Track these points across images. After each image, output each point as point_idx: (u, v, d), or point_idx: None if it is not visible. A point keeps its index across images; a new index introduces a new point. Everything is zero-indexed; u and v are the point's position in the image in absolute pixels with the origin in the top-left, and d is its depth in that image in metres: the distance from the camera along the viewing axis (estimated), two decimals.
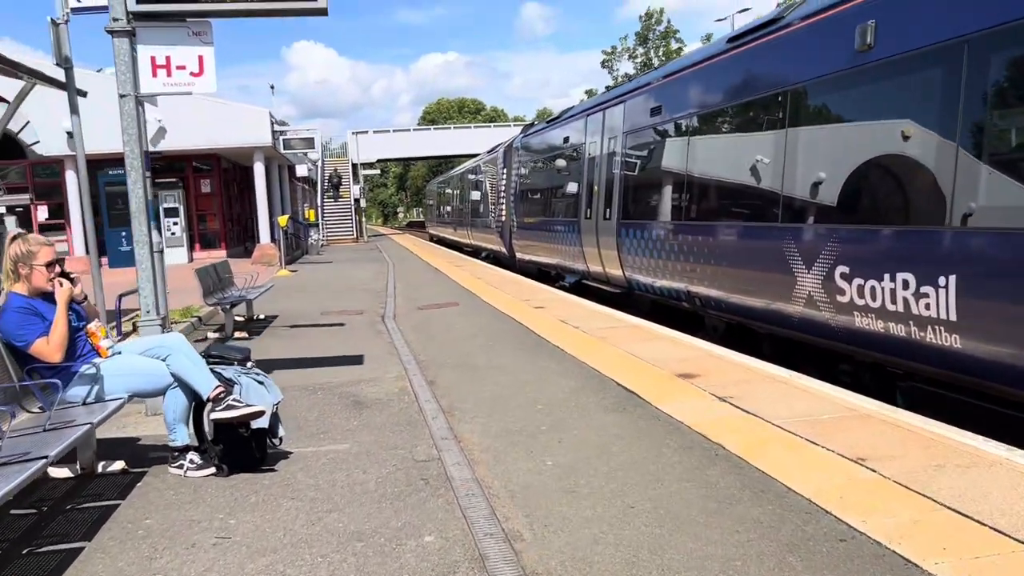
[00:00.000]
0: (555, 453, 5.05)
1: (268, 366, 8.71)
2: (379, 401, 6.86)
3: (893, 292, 5.79)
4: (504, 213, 20.93)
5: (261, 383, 5.17)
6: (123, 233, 22.37)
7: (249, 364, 5.29)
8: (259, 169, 24.76)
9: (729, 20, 42.10)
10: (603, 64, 76.81)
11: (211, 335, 10.90)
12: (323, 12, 6.52)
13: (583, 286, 14.22)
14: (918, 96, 5.83)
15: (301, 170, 32.08)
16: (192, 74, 6.50)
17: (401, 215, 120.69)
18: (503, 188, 21.21)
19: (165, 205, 25.23)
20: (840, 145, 6.72)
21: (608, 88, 41.22)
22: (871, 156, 6.39)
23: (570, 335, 9.36)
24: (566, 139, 14.81)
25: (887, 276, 5.85)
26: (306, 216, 36.18)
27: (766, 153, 7.69)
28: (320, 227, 42.97)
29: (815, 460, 4.56)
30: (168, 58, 6.44)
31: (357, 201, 45.91)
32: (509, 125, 56.60)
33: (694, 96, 9.28)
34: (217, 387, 4.90)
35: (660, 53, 71.77)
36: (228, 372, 5.11)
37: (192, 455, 5.03)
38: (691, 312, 9.91)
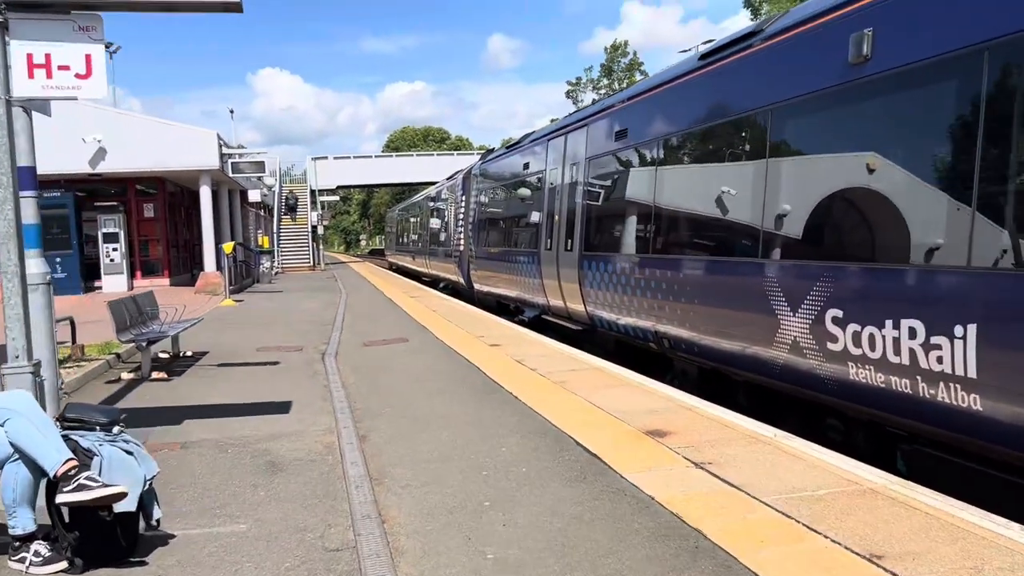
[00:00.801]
0: (499, 541, 4.07)
1: (179, 415, 7.64)
2: (298, 462, 5.83)
3: (897, 341, 4.97)
4: (463, 242, 20.03)
5: (130, 453, 4.12)
6: (57, 259, 20.98)
7: (117, 429, 4.24)
8: (205, 193, 23.54)
9: (694, 51, 42.03)
10: (568, 95, 77.10)
11: (125, 376, 9.74)
12: (236, 8, 5.58)
13: (543, 321, 13.32)
14: (931, 113, 5.06)
15: (254, 195, 30.85)
16: (78, 76, 5.48)
17: (364, 242, 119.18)
18: (462, 216, 20.32)
19: (104, 230, 23.88)
20: (831, 171, 5.94)
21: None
22: (867, 183, 5.61)
23: (526, 379, 8.41)
24: (526, 165, 14.00)
25: (890, 323, 5.03)
26: (259, 243, 34.88)
27: (745, 181, 6.91)
28: (275, 254, 41.64)
29: (821, 557, 3.65)
30: (48, 56, 5.41)
31: (315, 228, 44.64)
32: (473, 153, 55.91)
33: (663, 118, 8.51)
34: (67, 461, 3.85)
35: (624, 85, 72.15)
36: (87, 440, 4.06)
37: (38, 545, 3.95)
38: (659, 354, 9.03)
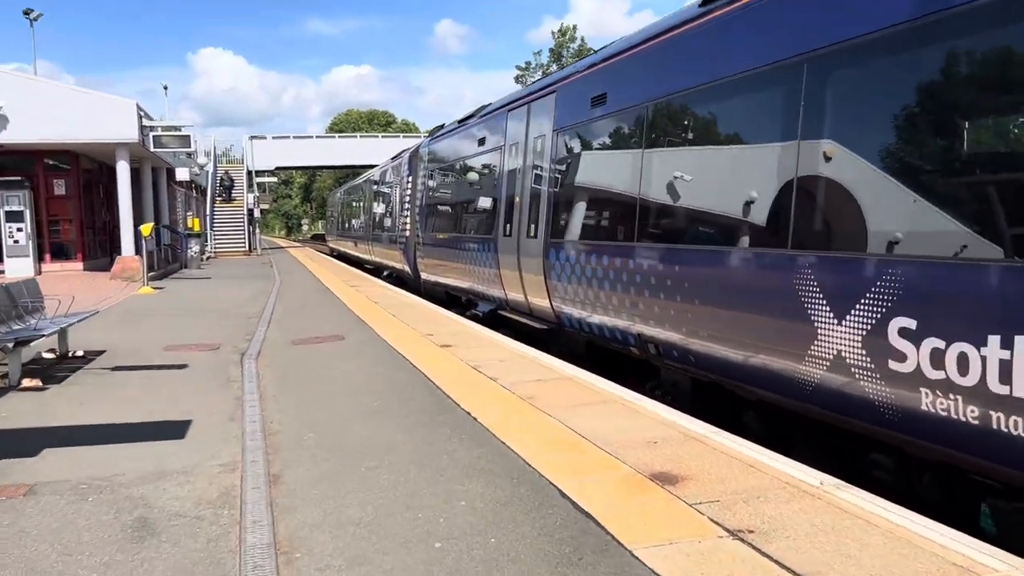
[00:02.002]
0: None
1: (38, 440, 5.89)
2: (179, 520, 4.24)
3: (1009, 366, 3.62)
4: (408, 227, 18.35)
5: None
6: None
7: None
8: (123, 169, 21.26)
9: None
10: (517, 80, 75.37)
11: None
12: None
13: (500, 317, 11.82)
14: None
15: (182, 174, 28.45)
16: None
17: (306, 227, 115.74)
18: (408, 199, 18.62)
19: (7, 208, 21.47)
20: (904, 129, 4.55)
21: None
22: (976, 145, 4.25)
23: (486, 392, 6.92)
24: (481, 141, 12.43)
25: (996, 340, 3.68)
26: (189, 225, 32.46)
27: (770, 149, 5.51)
28: (208, 238, 39.13)
29: None
30: None
31: (251, 211, 42.16)
32: (420, 136, 54.04)
33: (654, 79, 7.04)
34: None
35: None
36: None
37: None
38: (641, 361, 7.63)
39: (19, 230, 21.35)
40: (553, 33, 73.70)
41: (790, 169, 5.23)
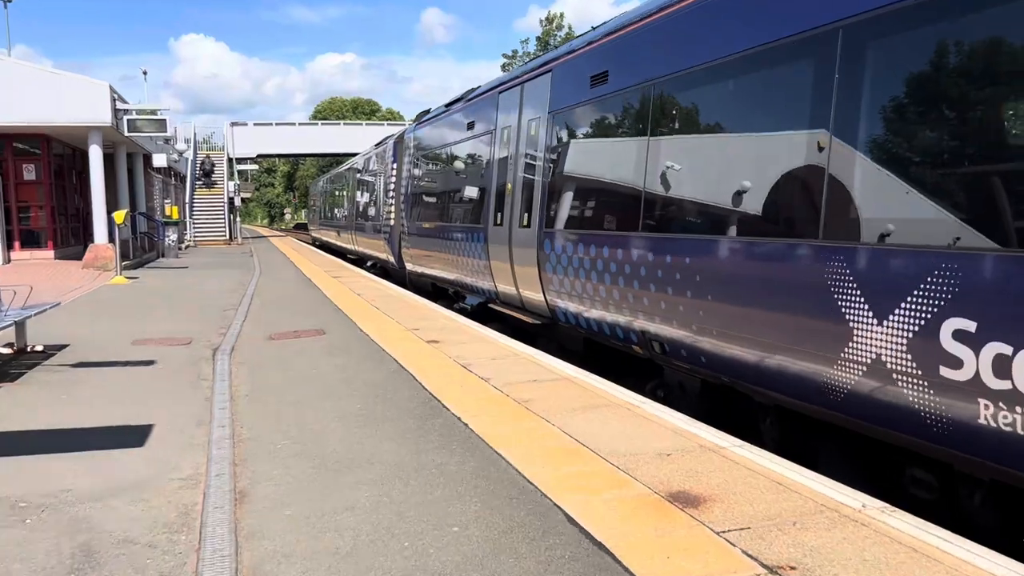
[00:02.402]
0: None
1: None
2: (128, 546, 3.68)
3: None
4: (393, 216, 17.72)
5: None
6: None
7: None
8: (95, 154, 20.44)
9: None
10: (504, 68, 74.63)
11: None
12: None
13: (490, 311, 11.26)
14: None
15: (159, 159, 27.59)
16: None
17: (288, 216, 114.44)
18: (392, 187, 17.98)
19: None
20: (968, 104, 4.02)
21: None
22: None
23: (478, 394, 6.37)
24: (470, 125, 11.82)
25: None
26: (167, 213, 31.61)
27: (797, 126, 4.98)
28: (188, 226, 38.27)
29: None
30: None
31: (231, 199, 41.28)
32: (405, 123, 53.30)
33: (667, 51, 6.44)
34: None
35: None
36: None
37: None
38: (645, 360, 7.11)
39: None
40: (541, 21, 73.08)
41: (819, 153, 4.69)
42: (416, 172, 15.66)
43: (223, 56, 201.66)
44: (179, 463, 4.94)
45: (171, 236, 27.35)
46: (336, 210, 32.13)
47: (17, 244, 21.99)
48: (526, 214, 9.08)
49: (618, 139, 7.30)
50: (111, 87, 20.17)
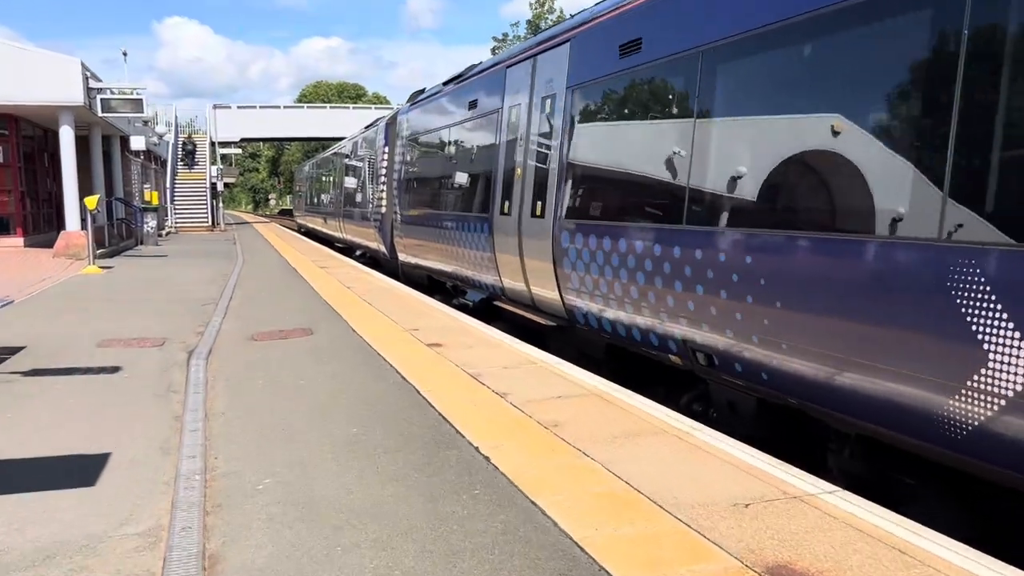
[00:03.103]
0: None
1: None
2: None
3: None
4: (385, 203, 16.69)
5: None
6: None
7: None
8: (67, 136, 19.24)
9: None
10: (494, 52, 73.25)
11: None
12: None
13: (492, 307, 10.31)
14: None
15: (137, 142, 26.33)
16: None
17: (273, 202, 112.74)
18: (384, 172, 16.94)
19: None
20: None
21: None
22: None
23: (495, 415, 5.43)
24: (472, 104, 10.81)
25: None
26: (147, 199, 30.36)
27: (916, 95, 4.04)
28: (169, 212, 37.00)
29: None
30: None
31: (214, 185, 39.99)
32: (393, 107, 52.05)
33: (721, 10, 5.44)
34: None
35: None
36: None
37: None
38: (683, 371, 6.20)
39: None
40: (531, 4, 71.44)
41: (944, 125, 3.76)
42: (411, 156, 14.62)
43: (207, 39, 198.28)
44: (137, 511, 3.98)
45: (150, 223, 26.15)
46: (323, 196, 31.00)
47: None
48: (539, 202, 8.12)
49: (657, 118, 6.33)
50: (83, 64, 18.96)
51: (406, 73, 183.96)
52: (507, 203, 9.05)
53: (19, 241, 21.13)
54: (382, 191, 16.97)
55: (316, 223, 33.78)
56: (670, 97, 6.08)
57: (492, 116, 9.79)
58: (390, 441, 4.96)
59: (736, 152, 5.30)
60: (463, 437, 4.97)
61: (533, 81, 8.55)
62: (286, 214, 70.15)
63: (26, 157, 22.04)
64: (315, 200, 34.23)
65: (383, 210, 16.85)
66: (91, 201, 16.60)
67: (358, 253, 22.57)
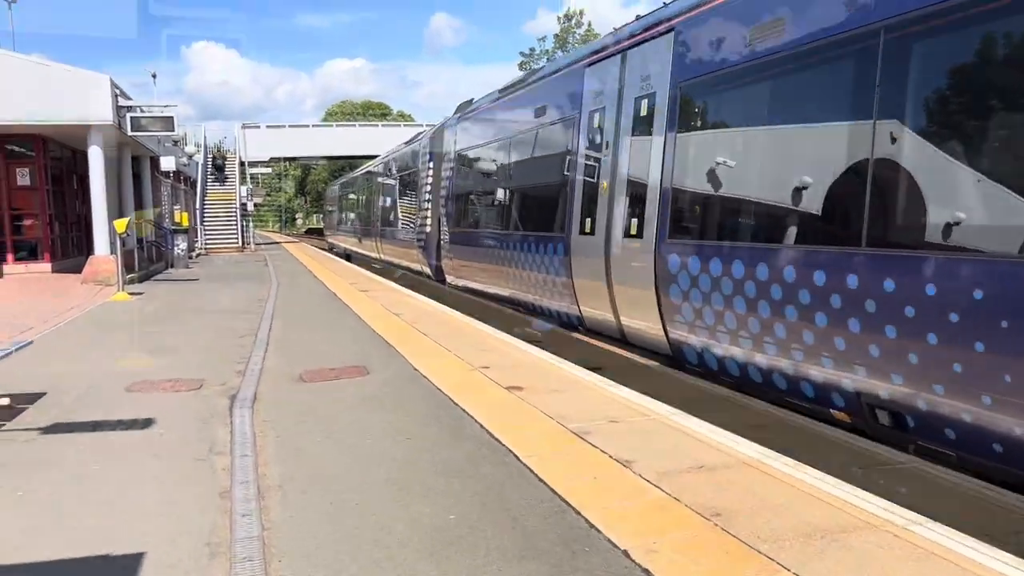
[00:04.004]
0: None
1: None
2: None
3: None
4: (430, 222, 15.60)
5: None
6: None
7: None
8: (96, 156, 18.45)
9: None
10: (521, 67, 72.46)
11: None
12: None
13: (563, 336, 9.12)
14: None
15: (167, 163, 25.63)
16: None
17: (300, 221, 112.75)
18: (429, 189, 15.86)
19: None
20: None
21: None
22: None
23: (630, 496, 4.23)
24: (540, 112, 9.68)
25: None
26: (177, 220, 29.65)
27: None
28: (198, 233, 36.38)
29: None
30: None
31: (244, 204, 39.35)
32: (421, 126, 51.27)
33: None
34: None
35: None
36: None
37: None
38: (850, 426, 4.95)
39: None
40: (559, 18, 70.75)
41: None
42: (461, 171, 13.52)
43: (233, 62, 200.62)
44: None
45: (180, 244, 25.36)
46: (358, 215, 30.05)
47: (10, 256, 20.03)
48: (635, 220, 6.94)
49: (820, 118, 5.09)
50: (112, 81, 18.19)
51: (430, 92, 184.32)
52: (589, 221, 7.88)
53: (47, 267, 20.36)
54: (427, 209, 15.90)
55: (350, 243, 32.89)
56: (832, 91, 4.88)
57: (566, 124, 8.64)
58: (504, 539, 3.77)
59: (955, 152, 4.09)
60: (599, 532, 3.78)
61: (622, 80, 7.39)
62: (312, 233, 69.72)
63: (54, 179, 21.33)
64: (348, 219, 33.37)
65: (428, 229, 15.77)
66: (120, 224, 15.71)
67: (398, 275, 21.56)
